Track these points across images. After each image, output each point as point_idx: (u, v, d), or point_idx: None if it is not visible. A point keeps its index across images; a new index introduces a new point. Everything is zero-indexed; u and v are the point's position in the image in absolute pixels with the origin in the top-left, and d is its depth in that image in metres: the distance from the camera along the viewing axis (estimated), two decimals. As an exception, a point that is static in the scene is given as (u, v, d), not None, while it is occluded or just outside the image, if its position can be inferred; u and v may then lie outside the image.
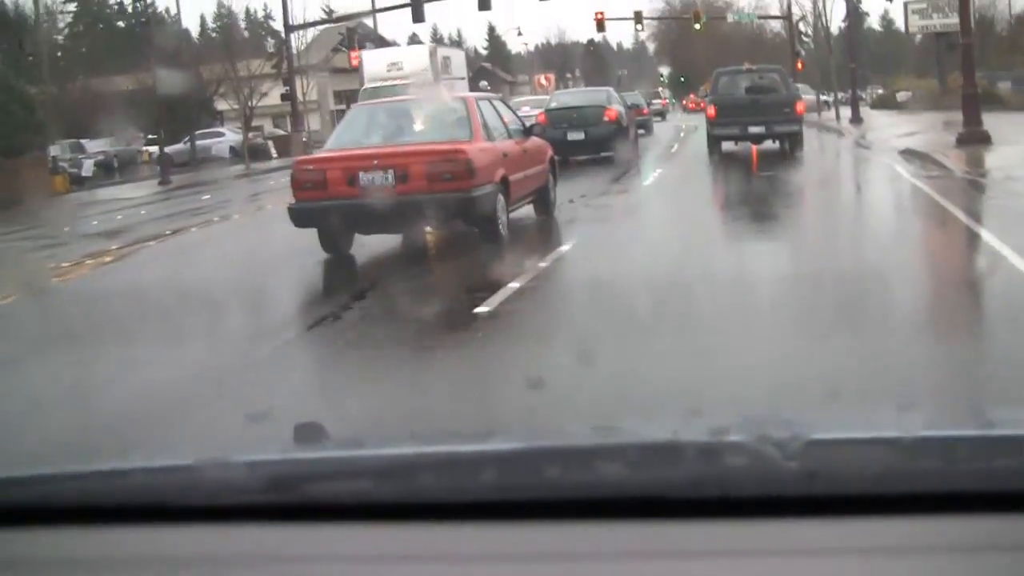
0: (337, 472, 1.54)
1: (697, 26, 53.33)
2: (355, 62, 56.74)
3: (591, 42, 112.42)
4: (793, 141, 21.36)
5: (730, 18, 58.02)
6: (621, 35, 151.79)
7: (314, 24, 44.79)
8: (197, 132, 40.83)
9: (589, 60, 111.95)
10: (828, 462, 1.41)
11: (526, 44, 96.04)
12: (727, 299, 7.30)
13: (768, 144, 22.60)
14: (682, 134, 35.47)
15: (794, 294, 7.61)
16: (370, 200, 9.73)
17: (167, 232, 15.12)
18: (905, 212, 13.09)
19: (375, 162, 9.98)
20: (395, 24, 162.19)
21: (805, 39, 59.61)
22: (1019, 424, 1.67)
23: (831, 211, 13.19)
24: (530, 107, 26.07)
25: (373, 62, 35.26)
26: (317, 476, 1.52)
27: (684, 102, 76.07)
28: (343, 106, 72.02)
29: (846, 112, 37.82)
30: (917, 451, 1.43)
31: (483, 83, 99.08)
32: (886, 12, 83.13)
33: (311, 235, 10.63)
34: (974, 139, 18.67)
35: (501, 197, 10.44)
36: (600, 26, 53.25)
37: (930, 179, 14.96)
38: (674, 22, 73.79)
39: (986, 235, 9.59)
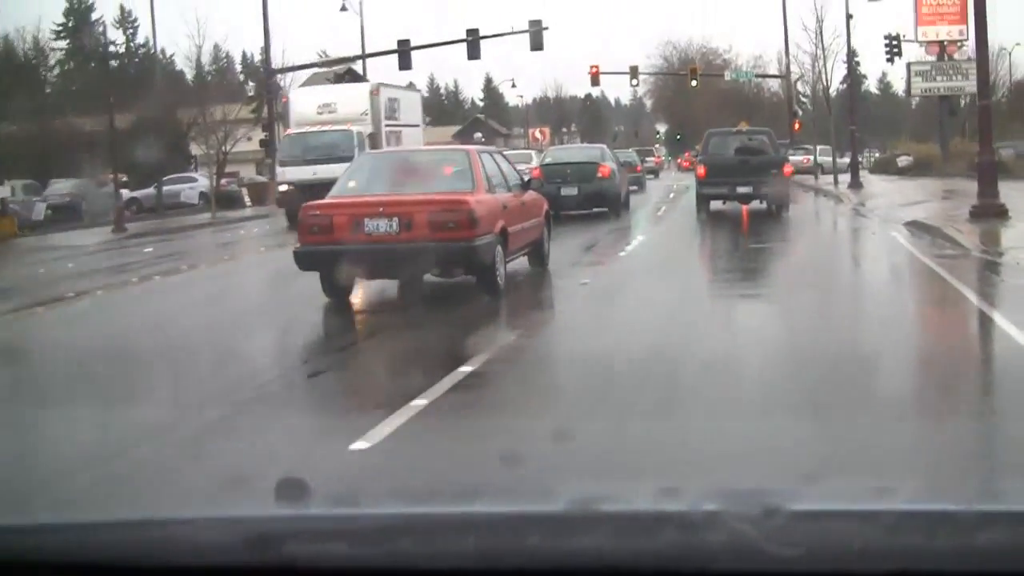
0: (318, 533, 1.51)
1: (694, 83, 51.82)
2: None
3: (588, 97, 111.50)
4: (779, 202, 21.69)
5: (727, 75, 56.56)
6: (619, 91, 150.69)
7: (297, 68, 42.98)
8: (169, 176, 38.76)
9: (586, 115, 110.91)
10: (808, 537, 1.38)
11: (521, 96, 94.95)
12: (691, 439, 5.43)
13: (757, 208, 21.82)
14: (672, 195, 34.52)
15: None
16: (375, 246, 10.13)
17: (70, 294, 13.07)
18: (919, 301, 11.04)
19: (381, 209, 10.25)
20: (390, 71, 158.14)
21: (803, 99, 57.97)
22: (1005, 499, 1.65)
23: (831, 296, 11.09)
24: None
25: (301, 102, 29.77)
26: (298, 536, 1.50)
27: (679, 160, 74.41)
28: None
29: (845, 176, 35.91)
30: (899, 527, 1.40)
31: (477, 134, 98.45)
32: (884, 75, 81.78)
33: (211, 312, 8.85)
34: (990, 212, 16.67)
35: (500, 248, 10.66)
36: (595, 80, 52.01)
37: (944, 259, 12.96)
38: (671, 79, 72.57)
39: (1017, 334, 7.51)
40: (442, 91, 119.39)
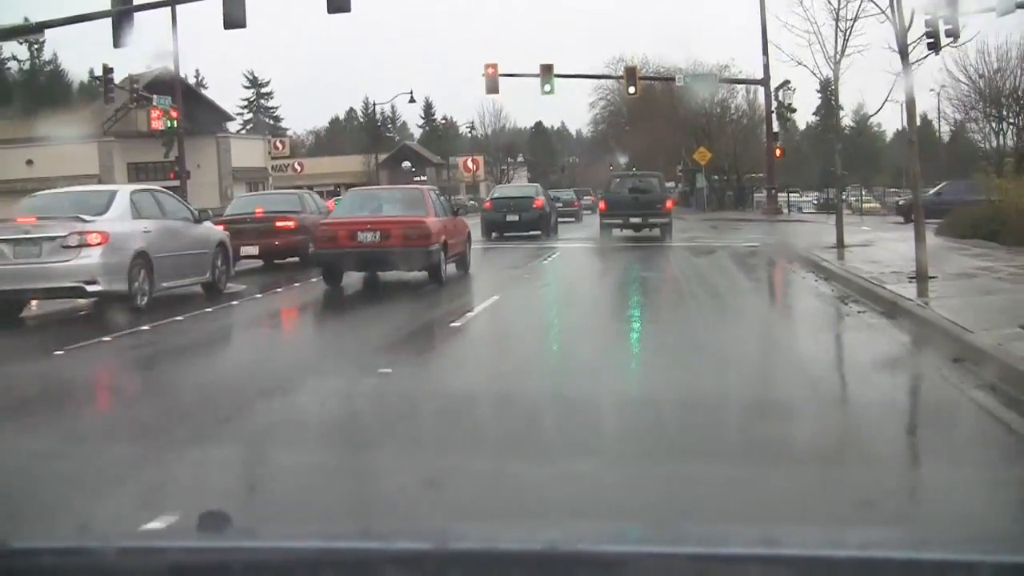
0: (239, 565, 1.45)
1: (632, 89, 33.06)
2: (156, 123, 38.08)
3: (538, 125, 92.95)
4: (663, 230, 28.06)
5: (679, 80, 37.73)
6: (579, 122, 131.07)
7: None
8: None
9: (532, 145, 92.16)
10: None
11: (445, 119, 76.48)
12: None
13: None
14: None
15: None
16: (364, 250, 15.79)
17: None
18: None
19: (368, 226, 16.02)
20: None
21: (789, 115, 39.15)
22: (902, 546, 1.62)
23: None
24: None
25: None
26: (218, 568, 1.45)
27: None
28: (147, 185, 51.10)
29: (879, 232, 16.28)
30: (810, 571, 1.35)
31: (406, 163, 79.30)
32: (860, 107, 62.63)
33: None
34: None
35: (443, 253, 16.65)
36: (492, 83, 33.97)
37: None
38: (624, 107, 54.07)
39: None
40: (378, 116, 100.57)
